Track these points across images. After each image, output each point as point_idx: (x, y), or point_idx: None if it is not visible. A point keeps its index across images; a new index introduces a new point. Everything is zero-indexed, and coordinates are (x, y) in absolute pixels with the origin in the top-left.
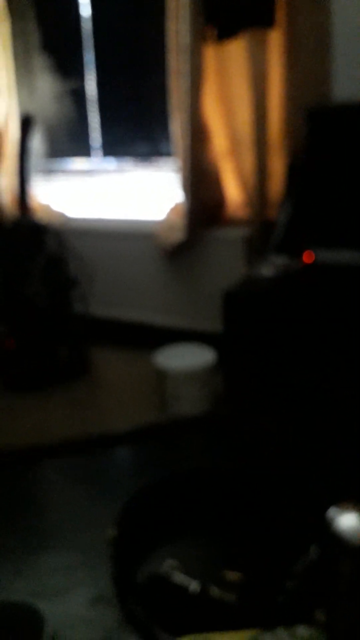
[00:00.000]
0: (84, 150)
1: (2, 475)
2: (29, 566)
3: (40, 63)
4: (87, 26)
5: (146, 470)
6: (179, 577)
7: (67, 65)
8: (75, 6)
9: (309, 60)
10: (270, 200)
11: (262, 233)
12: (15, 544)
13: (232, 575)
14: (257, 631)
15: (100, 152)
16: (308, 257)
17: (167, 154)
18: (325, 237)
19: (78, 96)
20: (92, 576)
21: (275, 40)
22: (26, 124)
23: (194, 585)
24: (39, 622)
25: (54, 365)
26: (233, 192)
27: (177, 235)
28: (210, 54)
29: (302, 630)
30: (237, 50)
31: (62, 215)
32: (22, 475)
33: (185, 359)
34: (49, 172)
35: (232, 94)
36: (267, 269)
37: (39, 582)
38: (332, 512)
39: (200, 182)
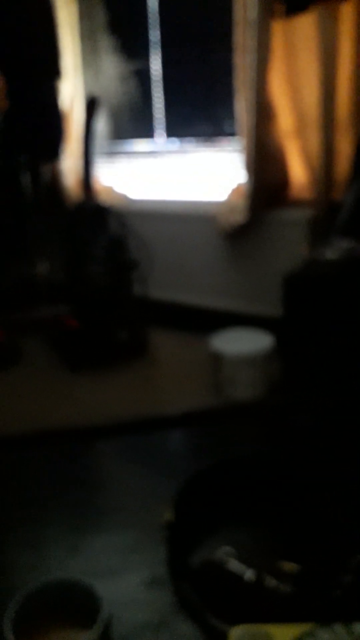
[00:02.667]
0: (147, 131)
1: (62, 454)
2: (85, 545)
3: (106, 44)
4: (153, 5)
5: (200, 454)
6: (234, 565)
7: (132, 46)
8: None
9: None
10: (337, 181)
11: (326, 215)
12: (72, 522)
13: (288, 566)
14: (313, 625)
15: (163, 133)
16: None
17: (231, 134)
18: None
19: (143, 77)
20: (146, 558)
21: (347, 14)
22: (92, 105)
23: (249, 574)
24: (96, 601)
25: (114, 346)
26: (298, 172)
27: (238, 216)
28: (278, 29)
29: (359, 628)
30: (306, 25)
31: (125, 197)
32: (80, 454)
33: (242, 343)
34: (112, 153)
35: (299, 71)
36: (331, 253)
37: (94, 561)
38: None
39: (265, 162)
